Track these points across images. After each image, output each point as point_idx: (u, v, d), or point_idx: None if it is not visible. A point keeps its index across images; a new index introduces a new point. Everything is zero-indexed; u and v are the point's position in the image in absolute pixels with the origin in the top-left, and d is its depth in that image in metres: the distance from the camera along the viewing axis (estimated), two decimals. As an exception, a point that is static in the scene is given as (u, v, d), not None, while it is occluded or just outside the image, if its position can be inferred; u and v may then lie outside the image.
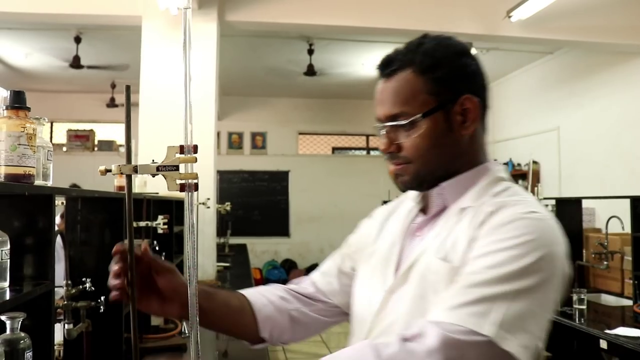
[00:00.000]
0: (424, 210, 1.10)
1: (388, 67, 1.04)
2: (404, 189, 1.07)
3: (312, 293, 1.20)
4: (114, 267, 0.97)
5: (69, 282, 1.81)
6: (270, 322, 1.11)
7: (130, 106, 0.87)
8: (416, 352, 0.79)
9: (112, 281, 0.97)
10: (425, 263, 0.97)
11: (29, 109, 1.25)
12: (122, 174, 0.86)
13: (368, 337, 1.01)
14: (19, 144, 1.21)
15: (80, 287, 1.88)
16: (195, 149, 0.85)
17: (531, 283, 0.83)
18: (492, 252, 0.87)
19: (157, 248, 3.24)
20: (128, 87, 0.86)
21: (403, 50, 1.05)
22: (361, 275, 1.15)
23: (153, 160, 0.89)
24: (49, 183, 1.45)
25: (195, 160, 0.84)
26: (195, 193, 0.86)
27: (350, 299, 1.17)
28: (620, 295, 4.06)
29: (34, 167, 1.26)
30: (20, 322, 1.28)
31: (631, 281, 3.67)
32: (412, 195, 1.14)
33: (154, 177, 0.88)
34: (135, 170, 0.87)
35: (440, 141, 1.00)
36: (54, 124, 9.85)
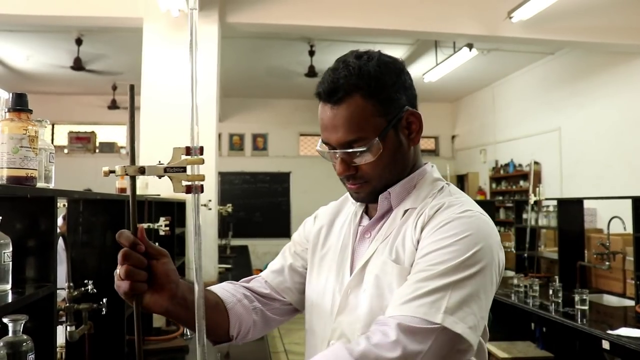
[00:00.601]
0: (366, 211, 1.18)
1: (335, 94, 1.03)
2: (361, 202, 1.16)
3: (268, 293, 1.21)
4: (121, 269, 0.96)
5: (71, 284, 1.81)
6: (239, 320, 1.11)
7: (134, 106, 0.86)
8: (382, 345, 0.86)
9: (122, 284, 0.96)
10: (378, 264, 1.04)
11: (31, 112, 1.25)
12: (126, 175, 0.84)
13: (332, 336, 1.08)
14: (21, 147, 1.21)
15: (82, 289, 1.88)
16: (201, 150, 0.85)
17: (472, 272, 0.92)
18: (435, 250, 0.95)
19: (158, 250, 3.25)
20: (132, 87, 0.85)
21: (345, 75, 1.03)
22: (316, 275, 1.18)
23: (160, 162, 0.87)
24: (51, 185, 1.45)
25: (203, 161, 0.84)
26: (200, 195, 0.85)
27: (306, 298, 1.20)
28: (622, 295, 4.06)
29: (36, 170, 1.26)
30: (22, 325, 1.28)
31: (633, 281, 3.66)
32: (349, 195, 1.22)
33: (160, 178, 0.87)
34: (142, 171, 0.85)
35: (393, 158, 1.07)
36: (55, 126, 9.87)
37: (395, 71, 1.07)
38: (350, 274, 1.09)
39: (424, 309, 0.89)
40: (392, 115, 1.05)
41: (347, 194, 1.20)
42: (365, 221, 1.16)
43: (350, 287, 1.08)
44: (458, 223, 0.97)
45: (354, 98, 1.02)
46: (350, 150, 1.04)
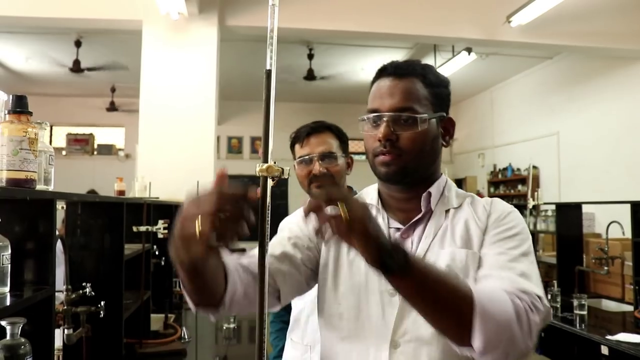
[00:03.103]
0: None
1: (402, 69, 1.16)
2: (387, 178, 1.17)
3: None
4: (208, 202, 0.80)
5: (69, 286, 1.80)
6: (234, 288, 1.05)
7: (270, 94, 0.77)
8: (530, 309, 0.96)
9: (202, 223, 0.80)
10: (444, 256, 1.11)
11: (31, 114, 1.25)
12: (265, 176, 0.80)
13: (395, 337, 1.09)
14: (21, 149, 1.21)
15: (80, 291, 1.88)
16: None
17: (533, 255, 1.10)
18: (508, 236, 1.10)
19: (156, 252, 3.24)
20: (269, 72, 0.76)
21: (414, 63, 1.18)
22: (347, 278, 1.16)
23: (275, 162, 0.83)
24: (51, 188, 1.45)
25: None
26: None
27: (333, 301, 1.17)
28: (621, 300, 4.06)
29: (35, 172, 1.26)
30: (20, 328, 1.28)
31: (632, 286, 3.66)
32: (370, 200, 1.25)
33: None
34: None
35: (431, 144, 1.16)
36: (53, 127, 9.85)
37: (448, 83, 1.22)
38: None
39: (529, 286, 1.00)
40: (440, 109, 1.17)
41: None
42: (395, 224, 1.19)
43: None
44: (514, 215, 1.15)
45: (416, 79, 1.15)
46: (401, 113, 1.12)
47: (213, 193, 0.81)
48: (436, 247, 1.13)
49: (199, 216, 0.80)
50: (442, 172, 1.24)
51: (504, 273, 1.03)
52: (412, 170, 1.14)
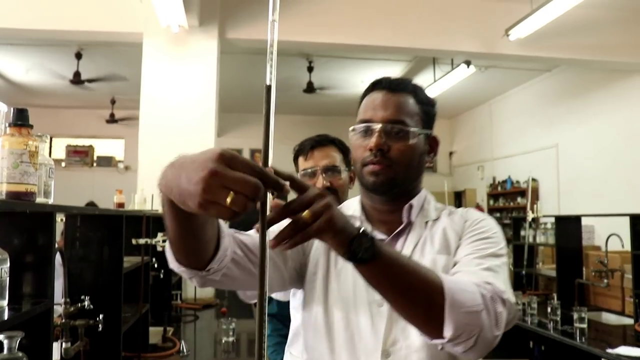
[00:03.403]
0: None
1: (396, 84, 1.21)
2: (374, 188, 1.19)
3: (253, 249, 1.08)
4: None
5: (67, 299, 1.80)
6: (223, 254, 0.98)
7: (270, 109, 0.75)
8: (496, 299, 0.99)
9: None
10: (425, 262, 1.13)
11: (31, 127, 1.25)
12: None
13: (386, 345, 1.10)
14: (21, 162, 1.21)
15: (79, 304, 1.87)
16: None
17: (505, 259, 1.14)
18: (480, 239, 1.15)
19: (155, 265, 3.23)
20: (269, 88, 0.74)
21: (403, 80, 1.24)
22: (335, 287, 1.16)
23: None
24: (50, 200, 1.45)
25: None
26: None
27: (322, 313, 1.16)
28: (621, 313, 4.05)
29: (35, 185, 1.26)
30: (18, 342, 1.27)
31: (632, 299, 3.65)
32: (353, 212, 1.26)
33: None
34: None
35: (419, 158, 1.21)
36: (53, 139, 9.86)
37: (435, 104, 1.28)
38: None
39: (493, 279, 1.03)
40: (427, 127, 1.23)
41: None
42: (378, 236, 1.19)
43: None
44: (488, 221, 1.21)
45: (409, 96, 1.21)
46: (394, 124, 1.16)
47: (257, 171, 0.72)
48: (417, 255, 1.17)
49: (243, 186, 0.69)
50: (422, 187, 1.29)
51: (472, 268, 1.07)
52: (400, 181, 1.18)
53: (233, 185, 0.69)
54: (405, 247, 1.19)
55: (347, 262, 0.90)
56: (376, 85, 1.22)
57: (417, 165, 1.20)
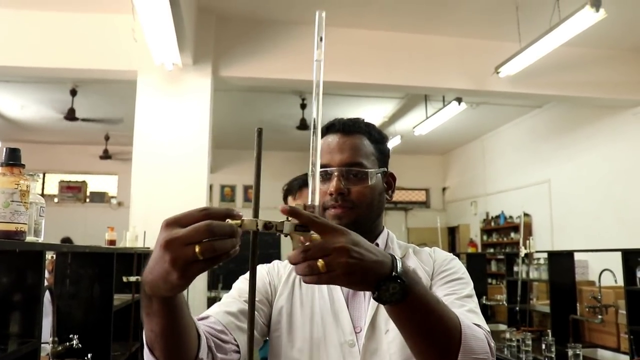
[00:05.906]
0: None
1: (350, 127, 1.23)
2: None
3: (223, 335, 1.10)
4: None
5: (56, 338, 1.77)
6: (205, 352, 0.99)
7: (260, 151, 0.80)
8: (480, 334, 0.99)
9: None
10: None
11: (23, 166, 1.26)
12: (247, 230, 0.78)
13: None
14: (12, 201, 1.21)
15: (67, 344, 1.84)
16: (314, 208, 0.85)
17: (476, 298, 1.17)
18: (454, 280, 1.18)
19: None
20: (260, 131, 0.79)
21: (360, 121, 1.27)
22: (307, 330, 1.17)
23: (287, 218, 0.82)
24: (40, 239, 1.44)
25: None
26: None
27: (290, 354, 1.16)
28: (617, 350, 4.01)
29: (25, 224, 1.25)
30: (4, 383, 1.25)
31: (627, 336, 3.63)
32: None
33: (285, 236, 0.85)
34: (268, 226, 0.81)
35: (379, 197, 1.23)
36: (46, 175, 9.85)
37: (387, 140, 1.31)
38: (353, 324, 1.15)
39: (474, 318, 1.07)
40: (383, 165, 1.25)
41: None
42: None
43: (369, 333, 1.13)
44: (457, 261, 1.24)
45: (363, 136, 1.23)
46: (352, 167, 1.19)
47: (201, 213, 0.75)
48: None
49: (197, 234, 0.71)
50: (383, 225, 1.31)
51: (456, 310, 1.04)
52: (363, 222, 1.19)
53: (190, 239, 0.71)
54: None
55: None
56: (330, 129, 1.24)
57: (377, 204, 1.22)
